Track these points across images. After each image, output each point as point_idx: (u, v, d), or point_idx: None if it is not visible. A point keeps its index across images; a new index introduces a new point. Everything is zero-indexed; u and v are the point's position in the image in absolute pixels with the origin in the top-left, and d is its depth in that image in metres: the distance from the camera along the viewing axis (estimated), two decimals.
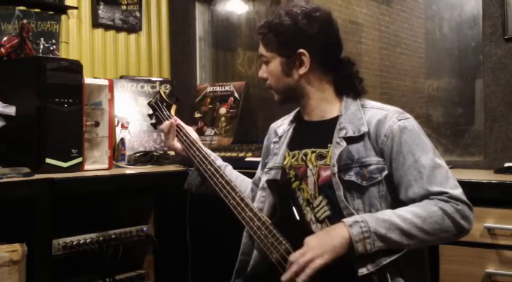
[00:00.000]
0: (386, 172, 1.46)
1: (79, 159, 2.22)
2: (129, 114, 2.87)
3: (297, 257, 1.36)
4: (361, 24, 2.90)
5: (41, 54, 2.52)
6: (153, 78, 3.14)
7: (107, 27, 3.04)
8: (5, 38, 2.42)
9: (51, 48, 2.59)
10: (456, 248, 1.78)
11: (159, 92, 1.98)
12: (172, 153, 2.75)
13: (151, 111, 1.97)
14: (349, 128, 1.51)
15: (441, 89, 2.60)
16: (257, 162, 1.86)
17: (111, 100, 2.41)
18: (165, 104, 1.93)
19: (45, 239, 1.95)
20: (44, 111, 2.12)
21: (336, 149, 1.49)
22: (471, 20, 2.45)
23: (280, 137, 1.68)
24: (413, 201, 1.42)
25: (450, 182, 1.42)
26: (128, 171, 2.42)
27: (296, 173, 1.57)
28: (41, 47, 2.57)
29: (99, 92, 2.41)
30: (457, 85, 2.54)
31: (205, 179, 1.76)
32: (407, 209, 1.39)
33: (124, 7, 3.12)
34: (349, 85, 1.59)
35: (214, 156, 1.85)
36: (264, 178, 1.65)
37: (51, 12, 2.71)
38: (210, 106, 3.08)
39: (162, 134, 2.20)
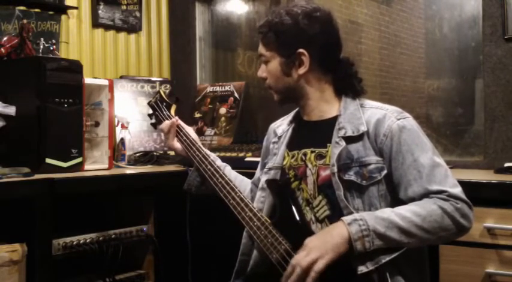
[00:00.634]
0: (385, 171, 1.46)
1: (79, 159, 2.22)
2: (129, 114, 2.87)
3: (299, 260, 1.35)
4: (361, 24, 2.90)
5: (41, 54, 2.52)
6: (153, 78, 3.14)
7: (107, 27, 3.04)
8: (5, 38, 2.42)
9: (51, 48, 2.59)
10: (456, 248, 1.78)
11: (159, 91, 1.98)
12: (172, 153, 2.75)
13: (151, 111, 1.97)
14: (348, 128, 1.51)
15: (441, 89, 2.60)
16: (257, 162, 1.86)
17: (111, 100, 2.41)
18: (165, 104, 1.93)
19: (45, 239, 1.95)
20: (44, 111, 2.12)
21: (335, 148, 1.49)
22: (471, 20, 2.45)
23: (279, 137, 1.68)
24: (412, 200, 1.42)
25: (449, 180, 1.42)
26: (128, 171, 2.42)
27: (295, 173, 1.57)
28: (41, 47, 2.57)
29: (99, 92, 2.41)
30: (457, 85, 2.54)
31: (205, 179, 1.76)
32: (407, 207, 1.39)
33: (124, 7, 3.12)
34: (348, 85, 1.59)
35: (213, 156, 1.85)
36: (264, 178, 1.65)
37: (51, 12, 2.71)
38: (210, 106, 3.08)
39: (162, 134, 2.19)
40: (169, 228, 2.39)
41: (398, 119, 1.48)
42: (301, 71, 1.55)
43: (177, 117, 1.90)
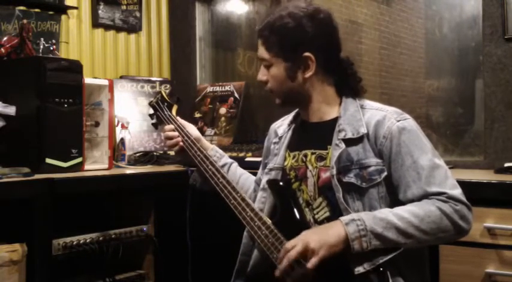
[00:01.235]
0: (385, 173, 1.46)
1: (79, 159, 2.22)
2: (129, 114, 2.87)
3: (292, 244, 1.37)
4: (361, 24, 2.90)
5: (41, 54, 2.52)
6: (153, 78, 3.14)
7: (107, 27, 3.04)
8: (5, 38, 2.42)
9: (51, 48, 2.59)
10: (456, 248, 1.78)
11: (160, 92, 1.98)
12: (172, 153, 2.75)
13: (152, 111, 1.96)
14: (348, 130, 1.50)
15: (441, 89, 2.60)
16: (257, 162, 1.86)
17: (111, 100, 2.41)
18: (166, 104, 1.92)
19: (45, 239, 1.95)
20: (44, 111, 2.12)
21: (335, 150, 1.49)
22: (471, 20, 2.45)
23: (280, 138, 1.68)
24: (412, 202, 1.41)
25: (449, 182, 1.42)
26: (128, 171, 2.42)
27: (296, 173, 1.57)
28: (41, 47, 2.57)
29: (99, 92, 2.41)
30: (457, 85, 2.54)
31: (206, 178, 1.76)
32: (405, 208, 1.39)
33: (124, 7, 3.12)
34: (348, 85, 1.58)
35: (220, 153, 1.85)
36: (265, 179, 1.65)
37: (51, 12, 2.71)
38: (210, 106, 3.08)
39: (162, 134, 2.19)
40: (169, 228, 2.39)
41: (398, 121, 1.47)
42: (307, 74, 1.53)
43: (178, 117, 1.89)
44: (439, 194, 1.39)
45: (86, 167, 2.27)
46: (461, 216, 1.38)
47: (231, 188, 1.63)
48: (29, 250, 1.87)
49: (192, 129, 1.86)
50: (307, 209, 1.53)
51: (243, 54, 3.26)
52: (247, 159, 2.36)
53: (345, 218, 1.37)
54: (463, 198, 1.40)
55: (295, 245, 1.36)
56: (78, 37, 2.88)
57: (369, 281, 1.36)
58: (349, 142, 1.49)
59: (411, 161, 1.43)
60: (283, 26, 1.52)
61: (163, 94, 1.95)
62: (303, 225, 1.50)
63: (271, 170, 1.64)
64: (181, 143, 1.82)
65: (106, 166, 2.37)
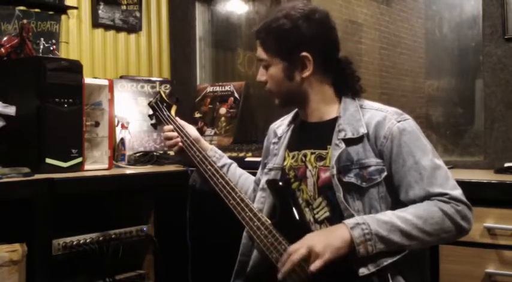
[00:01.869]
0: (385, 173, 1.46)
1: (79, 159, 2.22)
2: (129, 114, 2.87)
3: (296, 248, 1.37)
4: (361, 24, 2.90)
5: (41, 54, 2.52)
6: (153, 78, 3.14)
7: (107, 27, 3.04)
8: (5, 38, 2.42)
9: (51, 48, 2.59)
10: (456, 248, 1.78)
11: (159, 92, 1.98)
12: (172, 153, 2.75)
13: (151, 112, 1.96)
14: (348, 130, 1.50)
15: (441, 89, 2.60)
16: (257, 162, 1.86)
17: (111, 100, 2.41)
18: (165, 104, 1.92)
19: (45, 239, 1.95)
20: (44, 111, 2.12)
21: (335, 150, 1.49)
22: (471, 20, 2.45)
23: (279, 138, 1.68)
24: (413, 202, 1.42)
25: (450, 183, 1.42)
26: (128, 171, 2.42)
27: (295, 173, 1.57)
28: (41, 47, 2.57)
29: (99, 92, 2.41)
30: (457, 85, 2.54)
31: (205, 179, 1.76)
32: (408, 210, 1.39)
33: (124, 7, 3.12)
34: (347, 85, 1.58)
35: (219, 154, 1.86)
36: (264, 179, 1.65)
37: (51, 12, 2.71)
38: (210, 106, 3.08)
39: (162, 134, 2.20)
40: (169, 228, 2.39)
41: (399, 121, 1.47)
42: (305, 74, 1.53)
43: (177, 118, 1.90)
44: (441, 195, 1.39)
45: (86, 167, 2.28)
46: (463, 216, 1.38)
47: (230, 188, 1.63)
48: (29, 250, 1.87)
49: (191, 130, 1.86)
50: (307, 209, 1.53)
51: (243, 54, 3.26)
52: (247, 159, 2.36)
53: (349, 222, 1.37)
54: (464, 199, 1.40)
55: (299, 248, 1.36)
56: (78, 37, 2.89)
57: (369, 281, 1.36)
58: (349, 142, 1.49)
59: (413, 161, 1.43)
60: (280, 27, 1.52)
61: (163, 94, 1.95)
62: (302, 225, 1.50)
63: (270, 170, 1.64)
64: (180, 144, 1.83)
65: (106, 166, 2.37)
